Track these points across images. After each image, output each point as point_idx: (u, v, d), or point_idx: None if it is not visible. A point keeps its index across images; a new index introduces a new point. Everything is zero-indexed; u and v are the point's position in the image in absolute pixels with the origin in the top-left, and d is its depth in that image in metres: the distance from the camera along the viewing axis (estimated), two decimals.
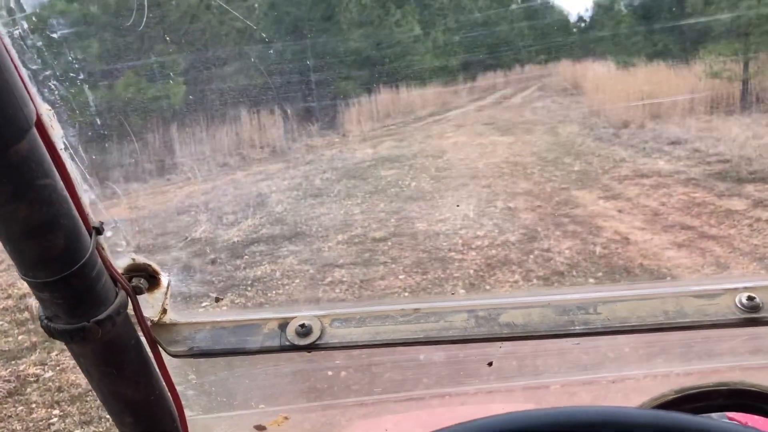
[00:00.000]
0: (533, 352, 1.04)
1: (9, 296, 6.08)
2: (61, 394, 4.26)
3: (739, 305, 0.76)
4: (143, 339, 0.86)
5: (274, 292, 5.59)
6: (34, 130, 0.62)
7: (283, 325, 0.87)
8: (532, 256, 5.89)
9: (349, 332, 0.83)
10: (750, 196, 7.37)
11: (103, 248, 0.77)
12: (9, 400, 4.25)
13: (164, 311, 0.89)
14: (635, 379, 1.06)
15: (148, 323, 0.87)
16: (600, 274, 5.34)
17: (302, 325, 0.85)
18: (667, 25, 20.31)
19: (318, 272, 5.98)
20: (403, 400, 1.14)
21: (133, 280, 0.84)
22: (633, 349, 1.07)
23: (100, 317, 0.74)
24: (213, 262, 4.86)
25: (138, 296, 0.84)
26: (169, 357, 0.88)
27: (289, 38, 20.40)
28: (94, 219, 0.76)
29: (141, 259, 0.84)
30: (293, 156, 15.52)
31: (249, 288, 5.75)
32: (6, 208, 0.63)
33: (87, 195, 0.75)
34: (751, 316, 0.75)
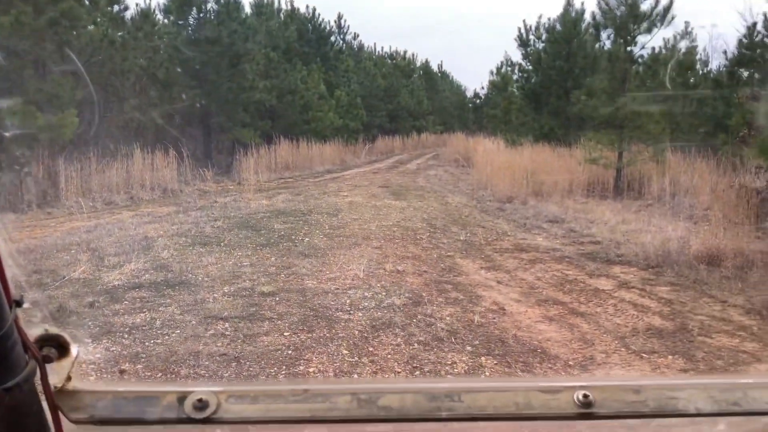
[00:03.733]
0: None
1: None
2: None
3: (576, 401, 0.88)
4: (45, 404, 0.89)
5: (152, 341, 5.41)
6: None
7: (182, 398, 0.93)
8: (415, 320, 6.06)
9: (244, 408, 0.91)
10: (616, 277, 7.98)
11: (19, 319, 0.82)
12: None
13: (69, 378, 0.93)
14: None
15: (52, 389, 0.91)
16: (477, 342, 5.55)
17: (200, 400, 0.92)
18: (553, 110, 21.90)
19: (200, 324, 5.86)
20: None
21: (44, 349, 0.88)
22: None
23: (8, 385, 0.78)
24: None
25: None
26: (69, 423, 0.92)
27: (193, 81, 20.17)
28: (14, 292, 0.81)
29: (53, 329, 0.89)
30: (185, 200, 15.14)
31: (126, 335, 5.54)
32: None
33: (10, 269, 0.81)
34: (585, 411, 0.89)
